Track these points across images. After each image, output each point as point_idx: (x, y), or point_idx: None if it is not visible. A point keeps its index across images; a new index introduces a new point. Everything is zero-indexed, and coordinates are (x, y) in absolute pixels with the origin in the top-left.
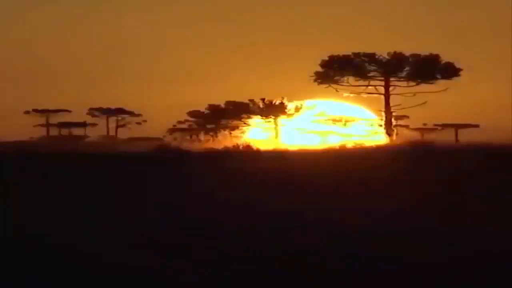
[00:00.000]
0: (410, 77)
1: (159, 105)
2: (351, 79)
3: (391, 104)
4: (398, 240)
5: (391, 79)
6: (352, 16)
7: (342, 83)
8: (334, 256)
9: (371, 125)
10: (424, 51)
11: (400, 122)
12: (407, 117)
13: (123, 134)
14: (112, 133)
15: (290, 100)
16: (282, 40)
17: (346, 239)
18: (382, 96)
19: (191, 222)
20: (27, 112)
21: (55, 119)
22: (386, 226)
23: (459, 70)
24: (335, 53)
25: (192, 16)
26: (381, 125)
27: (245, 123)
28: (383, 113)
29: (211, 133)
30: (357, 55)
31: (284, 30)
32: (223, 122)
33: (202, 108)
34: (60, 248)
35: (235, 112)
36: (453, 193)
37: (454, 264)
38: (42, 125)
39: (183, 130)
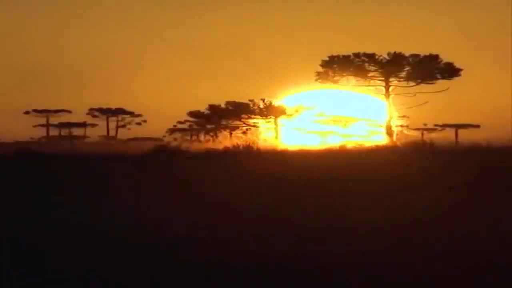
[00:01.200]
0: (410, 77)
1: (159, 105)
2: (351, 79)
3: (391, 104)
4: (399, 241)
5: (391, 79)
6: (352, 16)
7: (342, 83)
8: (336, 258)
9: (371, 125)
10: (424, 51)
11: (400, 122)
12: (407, 117)
13: (123, 134)
14: (112, 133)
15: (290, 93)
16: (282, 40)
17: (347, 241)
18: (382, 96)
19: (190, 223)
20: (27, 112)
21: (55, 119)
22: (387, 228)
23: (459, 70)
24: (335, 53)
25: (192, 16)
26: (381, 126)
27: (245, 123)
28: (383, 113)
29: (211, 133)
30: (357, 55)
31: (284, 30)
32: (223, 122)
33: (202, 108)
34: (61, 248)
35: (235, 112)
36: (456, 194)
37: (453, 259)
38: (42, 125)
39: (183, 130)
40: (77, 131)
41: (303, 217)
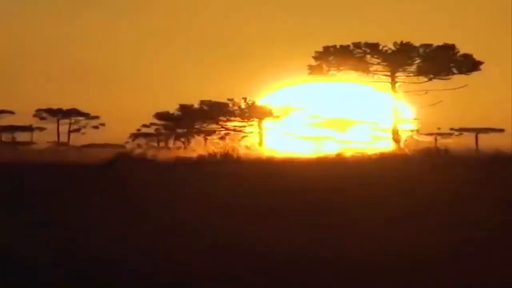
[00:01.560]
0: (421, 72)
1: (120, 106)
2: (350, 74)
3: (398, 104)
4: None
5: (398, 74)
6: (351, 1)
7: (339, 79)
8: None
9: (375, 129)
10: (437, 40)
11: (409, 125)
12: (418, 119)
13: (77, 140)
14: (63, 138)
15: (277, 91)
16: (267, 27)
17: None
18: (388, 95)
19: (156, 241)
20: None
21: None
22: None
23: (480, 63)
24: (332, 43)
25: (160, 2)
26: (386, 130)
27: (223, 127)
28: (388, 115)
29: (182, 139)
30: (357, 45)
31: (270, 15)
32: (197, 125)
33: (172, 109)
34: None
35: (211, 113)
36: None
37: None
38: None
39: (148, 135)
40: (21, 136)
41: (289, 246)
